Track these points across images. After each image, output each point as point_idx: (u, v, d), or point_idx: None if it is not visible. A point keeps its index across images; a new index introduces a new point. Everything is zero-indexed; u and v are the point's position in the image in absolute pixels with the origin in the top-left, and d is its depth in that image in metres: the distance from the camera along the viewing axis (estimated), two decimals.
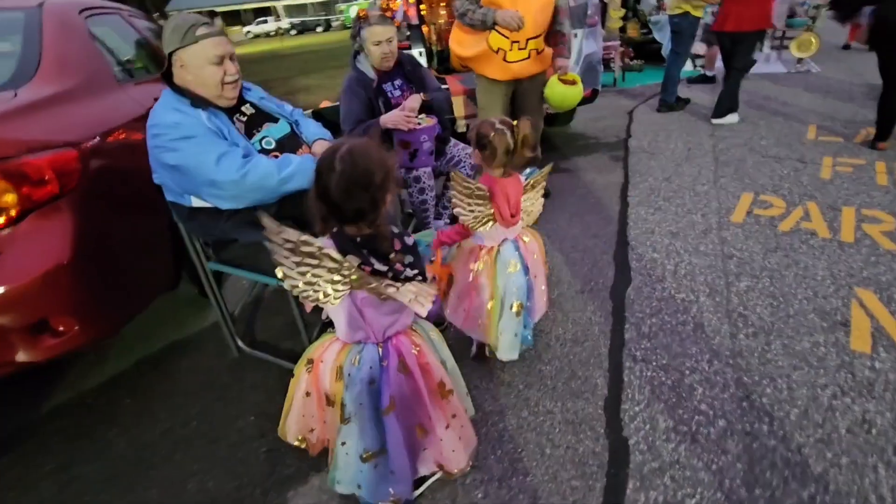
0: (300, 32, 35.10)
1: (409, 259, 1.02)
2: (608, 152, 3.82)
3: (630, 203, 2.89)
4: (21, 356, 1.41)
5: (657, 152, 3.67)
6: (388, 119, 2.09)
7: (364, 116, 2.17)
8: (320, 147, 1.73)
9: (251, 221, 1.54)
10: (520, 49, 2.53)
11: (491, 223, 1.49)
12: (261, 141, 1.60)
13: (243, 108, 1.66)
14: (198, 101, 1.47)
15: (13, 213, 1.35)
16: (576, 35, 3.51)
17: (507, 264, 1.53)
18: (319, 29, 35.70)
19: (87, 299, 1.51)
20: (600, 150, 3.88)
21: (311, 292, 0.98)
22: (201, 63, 1.45)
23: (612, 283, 2.14)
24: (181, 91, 1.48)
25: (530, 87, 2.70)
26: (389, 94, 2.23)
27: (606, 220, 2.73)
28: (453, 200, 1.46)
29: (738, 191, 2.88)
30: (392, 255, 1.00)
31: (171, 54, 1.46)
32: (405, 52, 2.36)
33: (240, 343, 1.96)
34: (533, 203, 1.62)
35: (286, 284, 0.97)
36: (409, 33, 3.52)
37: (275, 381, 1.82)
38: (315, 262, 0.94)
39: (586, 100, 3.71)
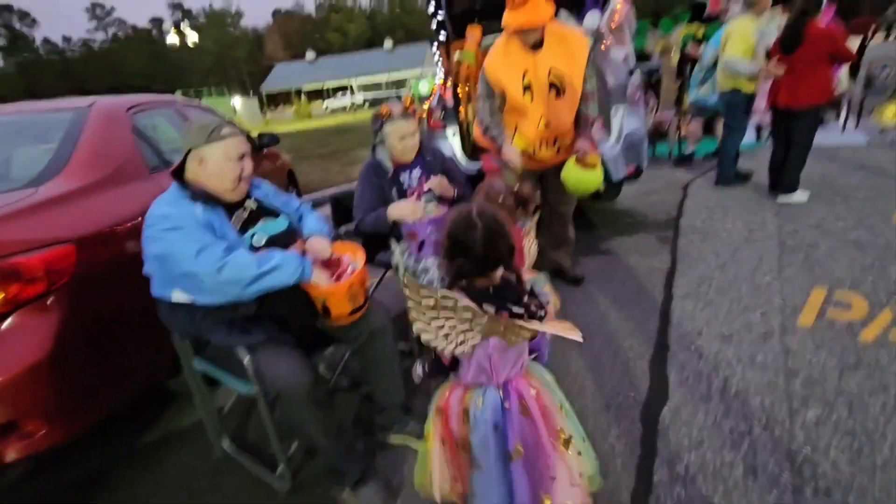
0: (372, 105, 38.04)
1: (534, 300, 1.12)
2: (656, 232, 3.52)
3: (675, 295, 2.57)
4: None
5: (712, 233, 3.32)
6: (394, 211, 2.01)
7: (375, 205, 2.13)
8: (314, 242, 1.68)
9: (226, 321, 1.47)
10: (548, 146, 2.49)
11: None
12: (252, 237, 1.56)
13: (246, 204, 1.66)
14: (198, 195, 1.48)
15: None
16: (617, 111, 3.39)
17: None
18: None
19: (61, 401, 1.46)
20: (647, 230, 3.60)
21: (445, 343, 1.10)
22: (223, 159, 1.51)
23: (645, 400, 1.83)
24: (186, 185, 1.51)
25: (557, 171, 2.57)
26: (405, 184, 2.19)
27: (646, 315, 2.42)
28: None
29: (807, 284, 2.47)
30: (526, 299, 1.10)
31: (190, 150, 1.51)
32: (430, 143, 2.34)
33: (224, 444, 1.84)
34: (529, 247, 1.76)
35: (422, 339, 1.11)
36: (443, 114, 3.56)
37: (249, 491, 1.67)
38: (451, 314, 1.05)
39: (630, 177, 3.52)
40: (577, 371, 2.05)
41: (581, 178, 2.39)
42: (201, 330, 1.48)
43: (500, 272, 1.13)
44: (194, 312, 1.45)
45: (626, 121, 3.34)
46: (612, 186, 3.47)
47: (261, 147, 3.93)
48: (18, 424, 1.40)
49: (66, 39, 64.59)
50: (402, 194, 2.16)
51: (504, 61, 2.33)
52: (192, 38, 25.43)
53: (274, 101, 47.70)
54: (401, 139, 2.11)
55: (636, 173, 3.48)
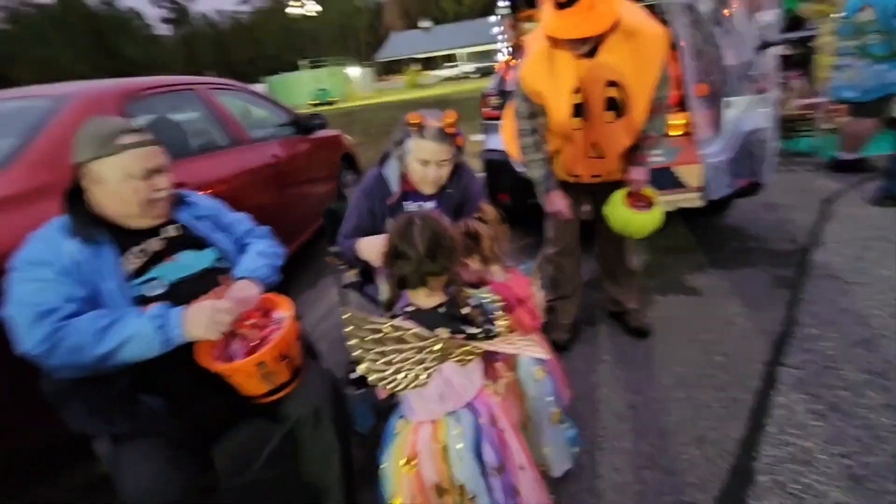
0: (483, 75, 37.16)
1: (481, 318, 1.10)
2: (773, 268, 2.61)
3: (781, 383, 1.77)
4: None
5: (859, 281, 2.34)
6: (362, 248, 1.54)
7: (358, 230, 1.66)
8: (238, 289, 1.28)
9: (91, 398, 1.13)
10: (595, 174, 1.91)
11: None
12: (144, 284, 1.20)
13: (164, 231, 1.31)
14: (78, 229, 1.16)
15: None
16: (728, 105, 2.52)
17: (531, 374, 1.37)
18: None
19: None
20: (761, 263, 2.68)
21: (398, 379, 1.01)
22: (122, 178, 1.17)
23: None
24: (77, 211, 1.19)
25: (611, 186, 1.91)
26: None
27: (730, 412, 1.69)
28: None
29: None
30: (469, 311, 1.09)
31: (82, 165, 1.19)
32: (463, 172, 1.72)
33: None
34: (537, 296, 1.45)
35: (370, 379, 1.01)
36: (501, 101, 2.95)
37: None
38: (398, 347, 1.00)
39: (744, 192, 2.65)
40: (600, 490, 1.45)
41: (630, 219, 1.73)
42: (59, 403, 1.15)
43: (445, 283, 1.09)
44: (59, 381, 1.14)
45: (745, 117, 2.45)
46: (712, 204, 2.62)
47: (309, 129, 3.65)
48: None
49: (218, 12, 72.28)
50: None
51: (548, 72, 1.68)
52: (313, 8, 26.57)
53: (388, 70, 48.96)
54: (423, 164, 1.56)
55: (751, 188, 2.59)
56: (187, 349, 1.14)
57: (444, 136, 1.52)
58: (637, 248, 2.17)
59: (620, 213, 1.80)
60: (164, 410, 1.16)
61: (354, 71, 39.17)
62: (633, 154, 1.80)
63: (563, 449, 1.41)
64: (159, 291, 1.21)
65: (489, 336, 1.09)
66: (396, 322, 1.00)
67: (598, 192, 1.97)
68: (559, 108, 1.73)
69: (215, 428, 1.28)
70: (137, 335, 1.06)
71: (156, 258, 1.25)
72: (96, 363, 1.04)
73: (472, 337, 1.07)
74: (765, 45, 2.50)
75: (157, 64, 51.99)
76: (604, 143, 1.78)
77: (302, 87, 31.70)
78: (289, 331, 1.19)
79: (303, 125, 3.63)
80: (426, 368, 1.02)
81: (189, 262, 1.29)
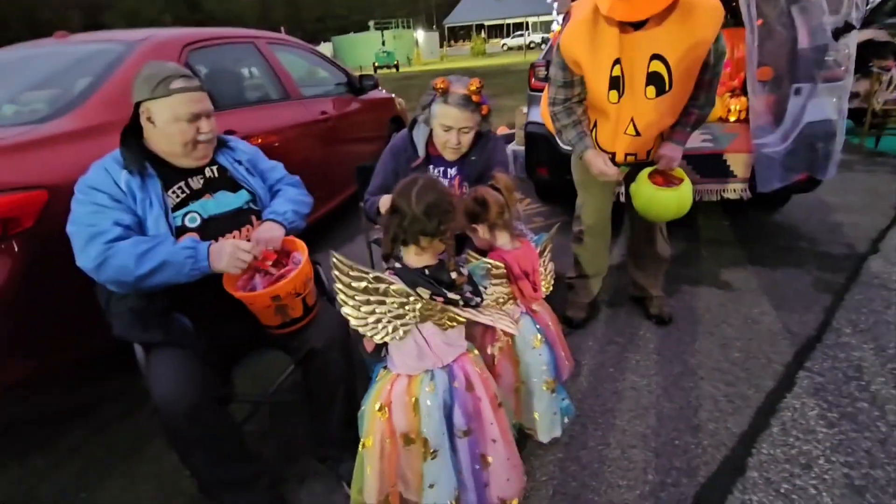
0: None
1: (469, 288, 1.14)
2: (819, 271, 2.46)
3: (798, 386, 1.71)
4: None
5: None
6: (383, 204, 1.60)
7: (381, 190, 1.74)
8: (263, 230, 1.40)
9: (134, 310, 1.28)
10: (638, 160, 1.84)
11: (511, 302, 1.39)
12: (184, 216, 1.34)
13: (206, 171, 1.44)
14: (133, 161, 1.30)
15: None
16: (798, 92, 2.35)
17: (528, 342, 1.41)
18: None
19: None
20: (807, 264, 2.53)
21: (377, 329, 1.07)
22: (170, 119, 1.31)
23: None
24: (130, 146, 1.33)
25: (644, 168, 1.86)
26: None
27: (734, 407, 1.66)
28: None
29: None
30: (456, 276, 1.10)
31: (138, 105, 1.33)
32: (488, 140, 1.73)
33: None
34: (545, 268, 1.51)
35: (351, 325, 1.08)
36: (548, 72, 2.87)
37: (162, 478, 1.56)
38: (382, 298, 1.04)
39: (799, 187, 2.50)
40: (587, 462, 1.49)
41: (653, 197, 1.67)
42: (109, 311, 1.33)
43: (437, 247, 1.10)
44: (109, 291, 1.31)
45: (810, 106, 2.28)
46: (764, 198, 2.49)
47: (361, 90, 3.73)
48: None
49: None
50: None
51: (589, 41, 1.61)
52: None
53: (455, 35, 48.00)
54: (446, 129, 1.60)
55: (807, 184, 2.43)
56: (218, 279, 1.27)
57: (469, 102, 1.54)
58: (668, 234, 2.11)
59: (644, 191, 1.74)
60: (193, 329, 1.30)
61: (421, 35, 38.75)
62: (670, 129, 1.74)
63: (553, 417, 1.46)
64: (194, 225, 1.34)
65: (468, 305, 1.11)
66: (380, 275, 1.04)
67: (632, 172, 1.93)
68: (597, 80, 1.69)
69: (236, 350, 1.42)
70: (170, 262, 1.19)
71: (195, 195, 1.38)
72: (137, 282, 1.19)
73: (450, 302, 1.08)
74: (845, 28, 2.28)
75: (233, 19, 53.58)
76: (642, 120, 1.72)
77: (368, 49, 31.75)
78: (303, 271, 1.29)
79: (355, 85, 3.71)
80: (404, 325, 1.07)
81: (224, 201, 1.41)
